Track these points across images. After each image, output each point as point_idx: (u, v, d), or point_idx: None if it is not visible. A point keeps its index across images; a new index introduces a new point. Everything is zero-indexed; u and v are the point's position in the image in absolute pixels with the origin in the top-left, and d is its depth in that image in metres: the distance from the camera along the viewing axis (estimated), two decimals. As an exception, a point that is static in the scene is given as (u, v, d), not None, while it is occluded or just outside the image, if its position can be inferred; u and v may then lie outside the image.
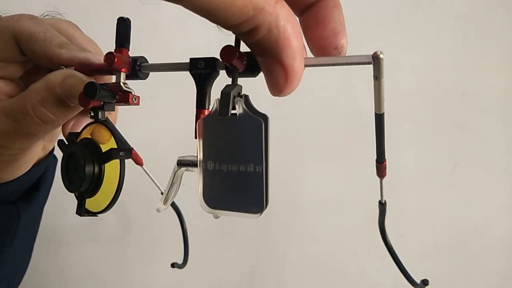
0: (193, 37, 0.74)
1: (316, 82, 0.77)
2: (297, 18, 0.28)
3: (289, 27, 0.24)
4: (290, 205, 0.81)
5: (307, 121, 0.81)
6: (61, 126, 0.35)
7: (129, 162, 0.39)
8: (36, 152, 0.38)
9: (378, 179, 0.35)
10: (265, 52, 0.25)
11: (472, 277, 0.81)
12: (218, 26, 0.24)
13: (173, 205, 0.42)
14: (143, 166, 0.40)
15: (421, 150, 0.82)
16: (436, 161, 0.81)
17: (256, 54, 0.26)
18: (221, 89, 0.28)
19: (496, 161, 0.82)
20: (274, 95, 0.27)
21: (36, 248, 0.50)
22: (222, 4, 0.21)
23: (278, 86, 0.26)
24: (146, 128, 0.74)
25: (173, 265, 0.43)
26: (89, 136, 0.33)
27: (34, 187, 0.43)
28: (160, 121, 0.74)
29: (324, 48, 0.28)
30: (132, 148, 0.38)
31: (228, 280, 0.81)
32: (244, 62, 0.29)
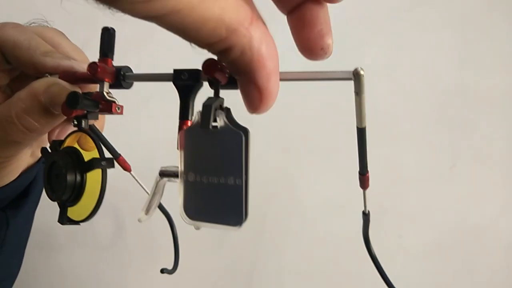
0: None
1: (316, 84, 0.76)
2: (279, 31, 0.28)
3: (263, 47, 0.24)
4: (289, 207, 0.80)
5: (307, 123, 0.80)
6: (47, 134, 0.35)
7: (118, 168, 0.39)
8: (23, 160, 0.38)
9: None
10: (240, 72, 0.25)
11: (471, 277, 0.81)
12: (192, 44, 0.23)
13: (163, 209, 0.42)
14: (132, 172, 0.40)
15: (419, 149, 0.81)
16: (434, 161, 0.81)
17: (232, 72, 0.26)
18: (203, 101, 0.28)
19: (496, 160, 0.81)
20: (250, 112, 0.27)
21: (32, 252, 0.50)
22: (194, 24, 0.21)
23: (253, 105, 0.26)
24: (144, 128, 0.74)
25: (162, 270, 0.43)
26: (73, 145, 0.33)
27: (24, 194, 0.43)
28: (159, 122, 0.74)
29: (311, 49, 0.28)
30: (120, 155, 0.38)
31: (225, 282, 0.80)
32: (227, 75, 0.29)
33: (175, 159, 0.35)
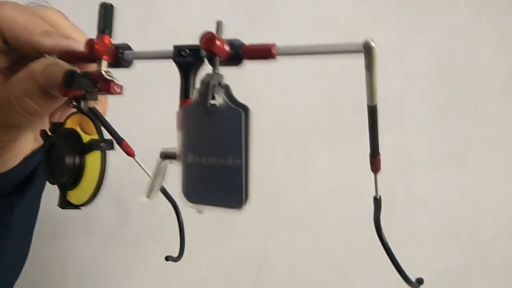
0: (196, 17, 0.73)
1: (325, 68, 0.76)
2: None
3: None
4: (299, 194, 0.79)
5: (316, 108, 0.79)
6: (48, 117, 0.35)
7: (123, 153, 0.38)
8: (26, 144, 0.38)
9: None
10: None
11: (485, 263, 0.81)
12: None
13: (167, 195, 0.41)
14: (135, 157, 0.39)
15: (433, 133, 0.80)
16: (448, 145, 0.80)
17: None
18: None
19: (510, 145, 0.80)
20: None
21: (36, 239, 0.50)
22: None
23: None
24: (150, 113, 0.73)
25: (167, 258, 0.42)
26: (74, 127, 0.33)
27: (28, 180, 0.42)
28: (165, 106, 0.73)
29: None
30: (123, 139, 0.37)
31: (235, 269, 0.80)
32: (227, 50, 0.27)
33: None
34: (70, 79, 0.28)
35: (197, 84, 0.28)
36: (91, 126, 0.32)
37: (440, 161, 0.80)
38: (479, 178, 0.80)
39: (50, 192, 0.45)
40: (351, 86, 0.77)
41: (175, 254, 0.44)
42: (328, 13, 0.76)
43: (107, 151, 0.31)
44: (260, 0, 0.77)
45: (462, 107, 0.80)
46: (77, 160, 0.30)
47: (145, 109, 0.73)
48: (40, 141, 0.40)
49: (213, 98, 0.26)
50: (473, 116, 0.81)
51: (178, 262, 0.44)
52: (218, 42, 0.26)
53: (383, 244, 0.36)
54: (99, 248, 0.77)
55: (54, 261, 0.76)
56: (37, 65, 0.31)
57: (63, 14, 0.35)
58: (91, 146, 0.30)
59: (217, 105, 0.26)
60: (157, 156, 0.37)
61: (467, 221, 0.80)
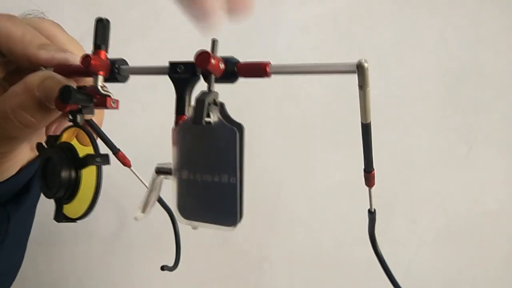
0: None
1: None
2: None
3: None
4: (299, 193, 0.79)
5: (316, 108, 0.79)
6: (44, 128, 0.35)
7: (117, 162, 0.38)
8: (22, 155, 0.38)
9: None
10: None
11: (485, 263, 0.80)
12: None
13: (164, 204, 0.41)
14: (132, 168, 0.39)
15: (433, 133, 0.80)
16: (449, 145, 0.80)
17: None
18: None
19: (510, 145, 0.80)
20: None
21: (33, 247, 0.50)
22: None
23: None
24: (147, 121, 0.73)
25: (162, 268, 0.42)
26: (70, 140, 0.33)
27: (25, 189, 0.42)
28: (165, 110, 0.73)
29: None
30: (119, 150, 0.37)
31: (236, 270, 0.80)
32: (222, 68, 0.27)
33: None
34: (66, 95, 0.28)
35: (193, 101, 0.29)
36: (87, 138, 0.32)
37: (440, 161, 0.79)
38: (479, 178, 0.80)
39: (45, 200, 0.46)
40: (352, 86, 0.77)
41: (172, 257, 0.44)
42: (328, 13, 0.76)
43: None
44: (260, 0, 0.76)
45: (462, 107, 0.80)
46: (73, 174, 0.30)
47: (143, 115, 0.74)
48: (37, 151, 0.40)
49: (208, 115, 0.26)
50: (473, 116, 0.80)
51: (177, 268, 0.44)
52: (213, 61, 0.26)
53: (378, 257, 0.36)
54: (96, 255, 0.77)
55: (49, 268, 0.77)
56: (34, 79, 0.31)
57: (59, 26, 0.35)
58: (87, 161, 0.30)
59: (212, 123, 0.26)
60: (154, 162, 0.37)
61: (467, 221, 0.80)
